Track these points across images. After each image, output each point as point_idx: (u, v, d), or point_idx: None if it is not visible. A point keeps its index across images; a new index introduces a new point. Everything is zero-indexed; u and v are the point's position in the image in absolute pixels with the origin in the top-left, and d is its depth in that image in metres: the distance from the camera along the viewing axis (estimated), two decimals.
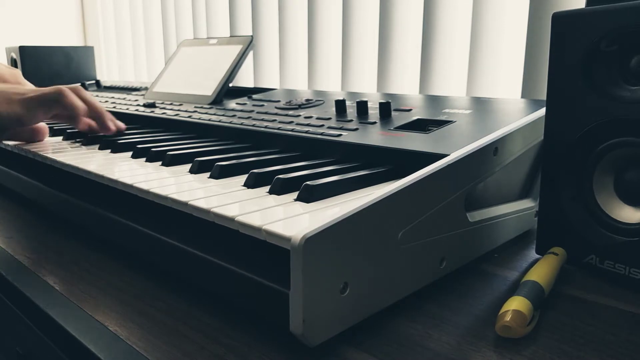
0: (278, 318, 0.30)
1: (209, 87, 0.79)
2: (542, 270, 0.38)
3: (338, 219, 0.29)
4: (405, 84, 0.96)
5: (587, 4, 0.42)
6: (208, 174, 0.46)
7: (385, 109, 0.56)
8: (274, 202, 0.37)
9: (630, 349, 0.31)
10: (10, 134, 0.65)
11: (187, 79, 0.86)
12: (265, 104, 0.71)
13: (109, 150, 0.59)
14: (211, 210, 0.35)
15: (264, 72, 1.24)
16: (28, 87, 0.64)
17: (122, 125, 0.68)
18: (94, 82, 1.22)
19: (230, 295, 0.35)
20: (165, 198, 0.40)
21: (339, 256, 0.30)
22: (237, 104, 0.73)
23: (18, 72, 0.70)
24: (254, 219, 0.33)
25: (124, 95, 0.97)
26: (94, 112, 0.65)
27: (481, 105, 0.55)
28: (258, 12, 1.22)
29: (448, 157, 0.39)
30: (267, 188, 0.41)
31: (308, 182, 0.38)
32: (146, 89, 1.02)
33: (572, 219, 0.42)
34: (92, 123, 0.66)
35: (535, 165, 0.49)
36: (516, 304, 0.32)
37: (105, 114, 0.66)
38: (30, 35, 1.74)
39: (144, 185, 0.43)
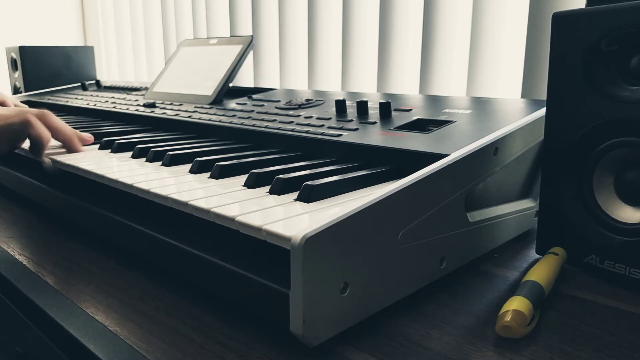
0: (278, 318, 0.30)
1: (209, 87, 0.79)
2: (542, 270, 0.38)
3: (338, 219, 0.29)
4: (405, 84, 0.96)
5: (587, 4, 0.42)
6: (208, 174, 0.46)
7: (386, 109, 0.56)
8: (274, 202, 0.37)
9: (630, 349, 0.31)
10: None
11: (187, 79, 0.86)
12: (265, 104, 0.71)
13: (109, 150, 0.59)
14: (211, 210, 0.35)
15: (264, 72, 1.24)
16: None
17: (89, 138, 0.63)
18: (94, 82, 1.22)
19: (230, 295, 0.35)
20: (166, 198, 0.40)
21: (339, 256, 0.30)
22: (237, 104, 0.74)
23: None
24: (254, 219, 0.33)
25: (124, 95, 0.97)
26: (62, 137, 0.59)
27: (481, 105, 0.55)
28: (258, 12, 1.22)
29: (448, 157, 0.39)
30: (267, 188, 0.41)
31: (308, 182, 0.38)
32: (146, 89, 1.02)
33: (572, 219, 0.42)
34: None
35: (535, 165, 0.49)
36: (516, 304, 0.32)
37: (72, 138, 0.60)
38: (30, 35, 1.74)
39: (144, 185, 0.43)
